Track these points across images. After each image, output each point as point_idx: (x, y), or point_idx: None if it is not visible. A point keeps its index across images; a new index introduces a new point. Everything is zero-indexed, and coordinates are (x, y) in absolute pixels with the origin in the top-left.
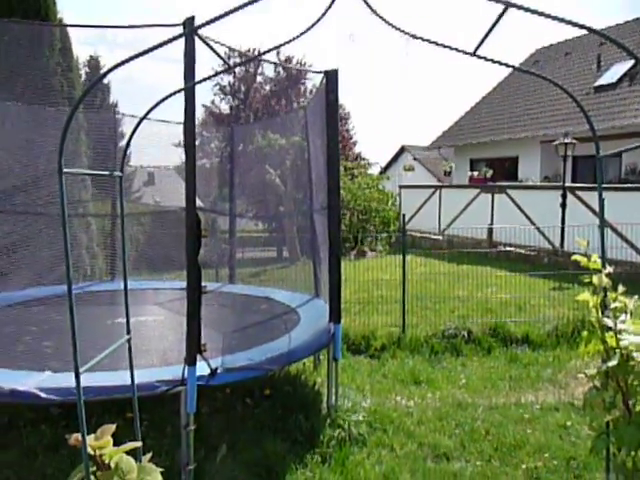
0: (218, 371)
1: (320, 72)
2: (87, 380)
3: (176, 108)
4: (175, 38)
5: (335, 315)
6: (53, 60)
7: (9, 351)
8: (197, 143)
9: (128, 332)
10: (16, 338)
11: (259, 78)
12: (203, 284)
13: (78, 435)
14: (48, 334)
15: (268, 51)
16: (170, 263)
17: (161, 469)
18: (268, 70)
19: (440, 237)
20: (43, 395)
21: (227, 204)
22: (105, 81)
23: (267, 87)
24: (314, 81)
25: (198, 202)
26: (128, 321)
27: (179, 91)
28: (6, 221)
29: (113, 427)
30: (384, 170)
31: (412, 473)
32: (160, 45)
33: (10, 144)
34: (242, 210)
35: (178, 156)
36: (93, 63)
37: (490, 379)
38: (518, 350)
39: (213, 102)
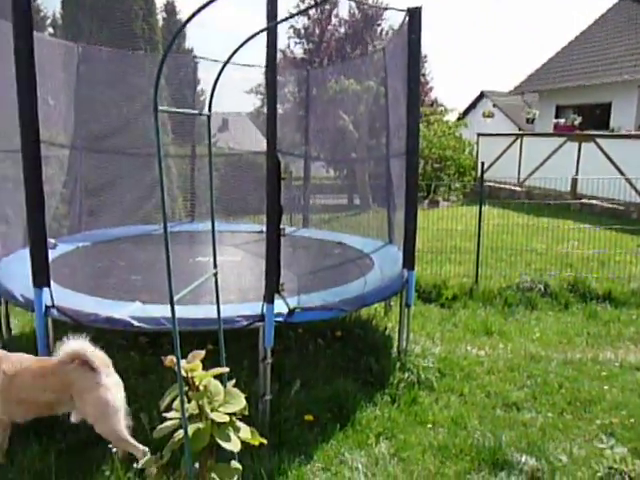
0: (295, 310)
1: (402, 10)
2: (178, 312)
3: (249, 54)
4: None
5: (409, 262)
6: (136, 5)
7: (102, 283)
8: None
9: (215, 267)
10: (108, 271)
11: (334, 20)
12: (281, 226)
13: (173, 357)
14: (135, 269)
15: None
16: (244, 206)
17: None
18: (343, 11)
19: (519, 188)
20: (135, 323)
21: (301, 149)
22: None
23: (342, 29)
24: (390, 22)
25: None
26: (215, 257)
27: (262, 31)
28: (96, 162)
29: (203, 353)
30: (462, 117)
31: (480, 419)
32: None
33: (99, 88)
34: (315, 156)
35: (251, 103)
36: (169, 7)
37: (566, 334)
38: (598, 307)
39: (288, 46)
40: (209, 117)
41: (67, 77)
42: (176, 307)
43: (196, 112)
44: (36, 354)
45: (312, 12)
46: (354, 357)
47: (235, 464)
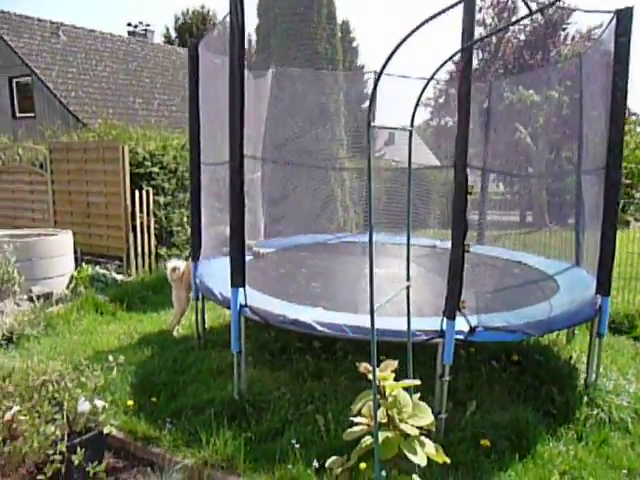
0: (477, 328)
1: (610, 12)
2: (357, 321)
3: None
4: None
5: (604, 287)
6: (320, 26)
7: (286, 287)
8: (442, 100)
9: (408, 279)
10: (290, 277)
11: (514, 27)
12: (466, 242)
13: (367, 365)
14: (314, 276)
15: None
16: (413, 220)
17: None
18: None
19: None
20: (319, 327)
21: (479, 162)
22: (354, 44)
23: (521, 36)
24: (578, 26)
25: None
26: (408, 270)
27: (459, 52)
28: (280, 175)
29: (395, 363)
30: None
31: None
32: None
33: (288, 104)
34: (490, 170)
35: (420, 116)
36: (344, 27)
37: None
38: None
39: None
40: (411, 132)
41: (260, 95)
42: (358, 317)
43: (400, 127)
44: (226, 345)
45: (489, 21)
46: (533, 385)
47: (416, 478)
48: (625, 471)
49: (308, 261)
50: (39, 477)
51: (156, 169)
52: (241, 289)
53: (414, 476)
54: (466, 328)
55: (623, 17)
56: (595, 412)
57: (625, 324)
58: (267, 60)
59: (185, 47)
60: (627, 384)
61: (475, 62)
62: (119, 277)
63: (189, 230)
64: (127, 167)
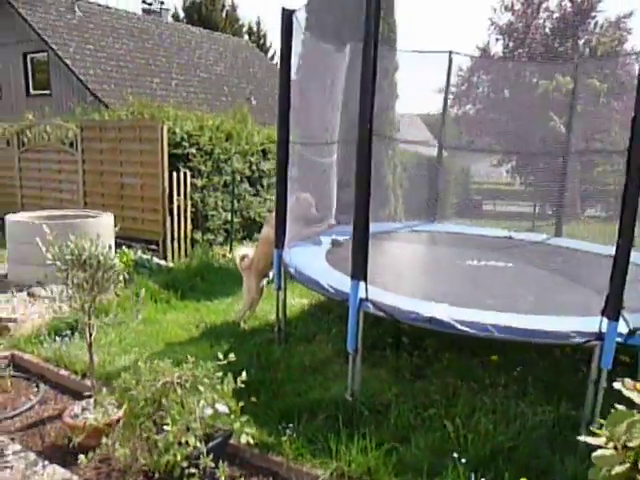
0: (638, 332)
1: None
2: (505, 320)
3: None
4: None
5: None
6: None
7: (393, 280)
8: (464, 88)
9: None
10: (387, 269)
11: (542, 14)
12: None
13: (634, 383)
14: (414, 268)
15: None
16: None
17: None
18: (552, 3)
19: None
20: (459, 326)
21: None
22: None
23: (548, 24)
24: (607, 14)
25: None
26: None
27: None
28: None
29: None
30: None
31: None
32: None
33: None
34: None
35: (438, 102)
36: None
37: None
38: None
39: (488, 43)
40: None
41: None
42: (502, 315)
43: None
44: (308, 339)
45: (518, 7)
46: None
47: None
48: None
49: (393, 250)
50: None
51: (193, 150)
52: (362, 282)
53: None
54: (624, 330)
55: None
56: None
57: None
58: (319, 36)
59: (196, 26)
60: None
61: (500, 48)
62: (162, 262)
63: (224, 214)
64: (166, 147)
